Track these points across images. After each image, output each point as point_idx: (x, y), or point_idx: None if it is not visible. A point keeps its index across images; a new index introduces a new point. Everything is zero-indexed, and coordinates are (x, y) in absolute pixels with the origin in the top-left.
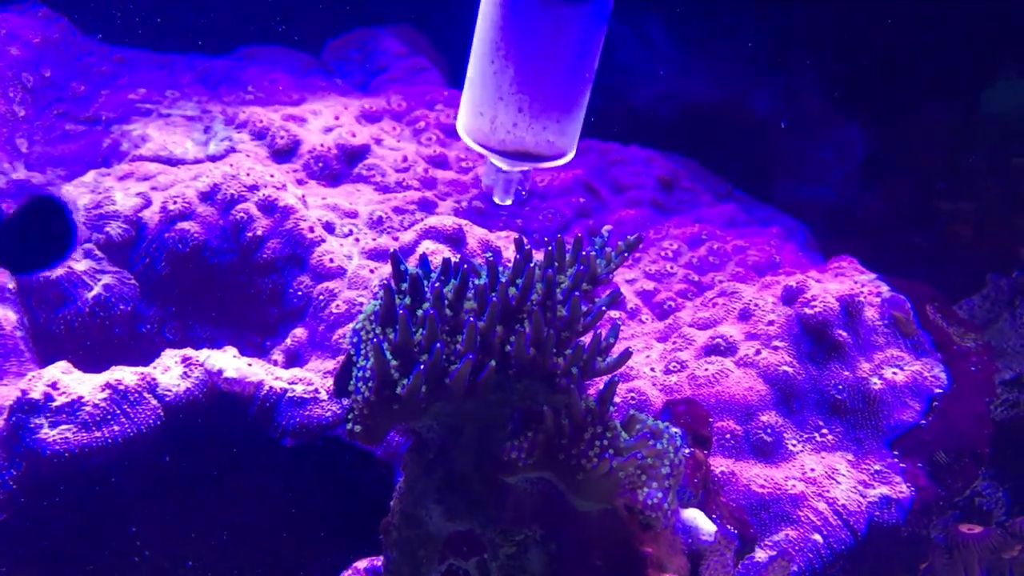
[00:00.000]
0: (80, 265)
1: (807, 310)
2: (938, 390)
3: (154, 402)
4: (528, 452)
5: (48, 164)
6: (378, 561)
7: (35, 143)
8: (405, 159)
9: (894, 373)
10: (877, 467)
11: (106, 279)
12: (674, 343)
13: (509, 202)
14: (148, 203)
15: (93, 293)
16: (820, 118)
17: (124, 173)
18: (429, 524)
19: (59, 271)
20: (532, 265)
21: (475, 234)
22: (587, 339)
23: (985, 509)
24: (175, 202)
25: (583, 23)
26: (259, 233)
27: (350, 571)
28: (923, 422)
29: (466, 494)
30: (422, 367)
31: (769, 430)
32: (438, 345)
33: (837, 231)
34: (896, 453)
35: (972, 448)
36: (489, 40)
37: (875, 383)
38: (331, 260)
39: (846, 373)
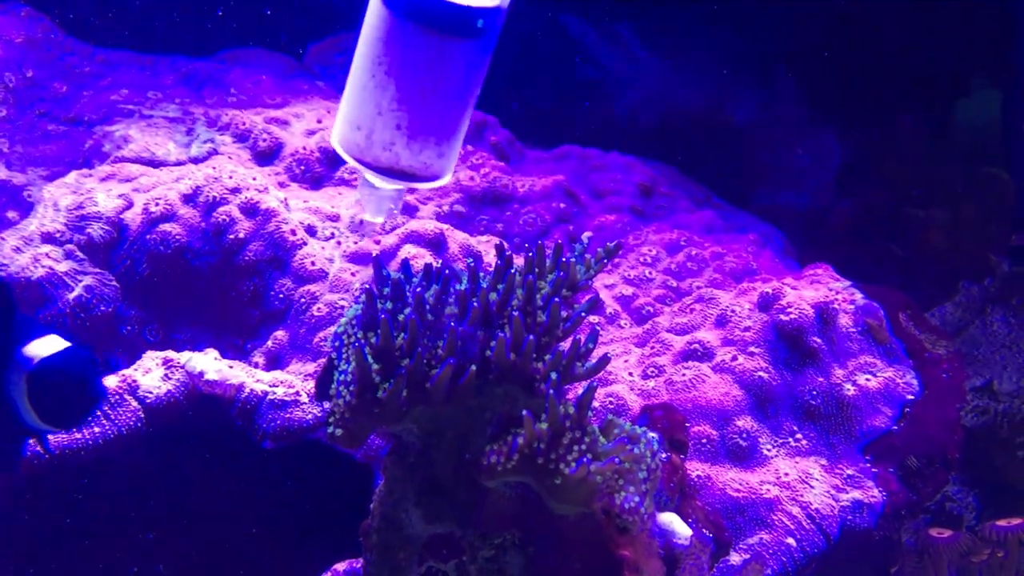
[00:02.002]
0: (61, 266)
1: (783, 317)
2: (910, 396)
3: (135, 404)
4: (507, 456)
5: (29, 164)
6: (357, 564)
7: (16, 143)
8: None
9: (867, 379)
10: (850, 472)
11: (87, 280)
12: (652, 348)
13: (381, 220)
14: (130, 204)
15: (74, 294)
16: (797, 126)
17: (106, 174)
18: (409, 527)
19: (40, 271)
20: (513, 271)
21: (456, 239)
22: (567, 344)
23: (956, 514)
24: (157, 204)
25: (467, 55)
26: (241, 235)
27: (329, 574)
28: (895, 428)
29: (446, 497)
30: (403, 371)
31: (745, 435)
32: (419, 349)
33: (812, 238)
34: (868, 458)
35: (943, 453)
36: (372, 54)
37: (848, 389)
38: (312, 263)
39: (820, 379)
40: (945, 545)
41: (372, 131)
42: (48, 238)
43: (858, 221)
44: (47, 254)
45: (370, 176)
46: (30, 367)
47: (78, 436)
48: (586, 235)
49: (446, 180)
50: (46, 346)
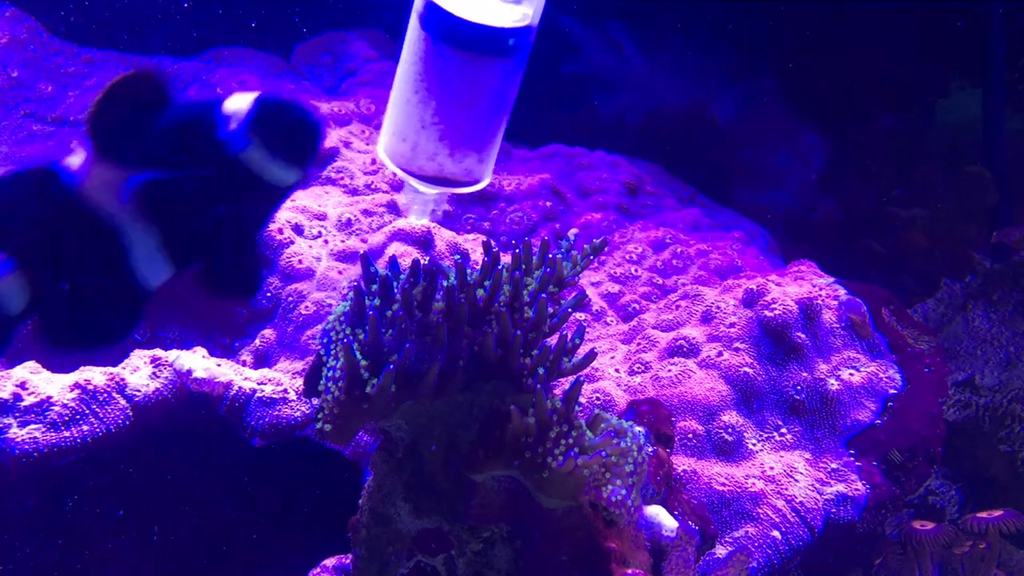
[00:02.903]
0: None
1: (767, 313)
2: (893, 391)
3: (123, 402)
4: (495, 451)
5: (15, 164)
6: (346, 559)
7: (1, 143)
8: (374, 162)
9: (850, 374)
10: (834, 465)
11: None
12: (638, 345)
13: (425, 221)
14: None
15: None
16: (780, 126)
17: None
18: (397, 522)
19: None
20: (500, 267)
21: (443, 236)
22: (553, 340)
23: (938, 507)
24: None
25: (501, 71)
26: None
27: (318, 569)
28: (878, 422)
29: (434, 492)
30: (391, 367)
31: (730, 430)
32: (407, 345)
33: (795, 237)
34: (852, 452)
35: (925, 447)
36: (413, 73)
37: (832, 384)
38: (300, 261)
39: (804, 374)
40: (928, 537)
41: (417, 143)
42: None
43: (841, 220)
44: None
45: (415, 183)
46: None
47: (66, 434)
48: (572, 232)
49: (485, 184)
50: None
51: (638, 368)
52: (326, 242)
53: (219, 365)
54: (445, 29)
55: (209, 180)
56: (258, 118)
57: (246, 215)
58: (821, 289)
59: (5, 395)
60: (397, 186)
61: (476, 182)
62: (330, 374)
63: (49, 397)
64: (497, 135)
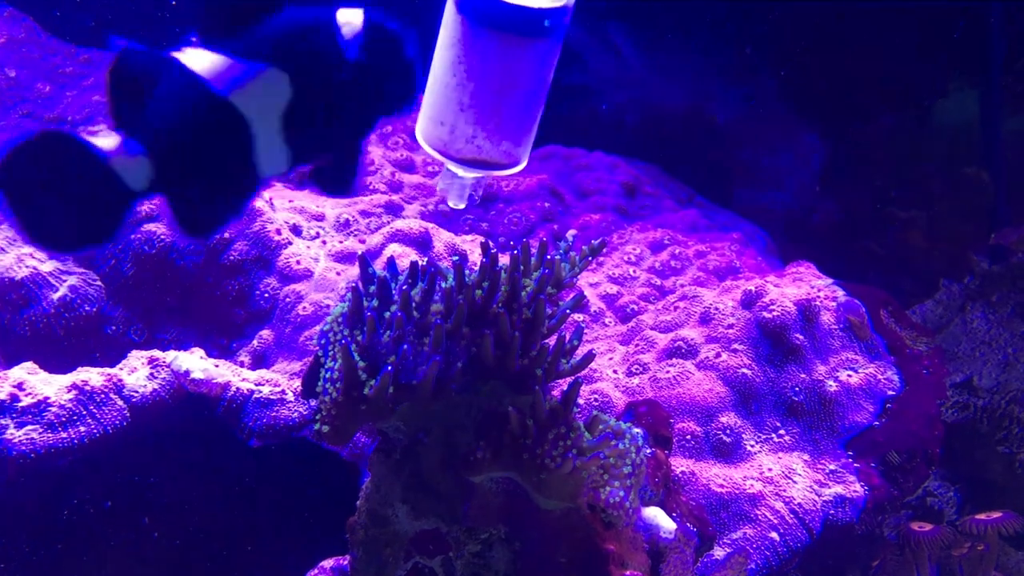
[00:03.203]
0: (46, 266)
1: (765, 314)
2: (891, 392)
3: (120, 403)
4: (493, 452)
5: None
6: (344, 560)
7: None
8: (372, 163)
9: (849, 376)
10: (832, 467)
11: (72, 280)
12: (636, 346)
13: (463, 206)
14: None
15: (59, 294)
16: (778, 127)
17: None
18: (395, 523)
19: (24, 271)
20: (498, 268)
21: (442, 238)
22: (552, 341)
23: (937, 508)
24: (142, 204)
25: (537, 53)
26: (226, 235)
27: (316, 570)
28: (876, 423)
29: (432, 493)
30: (389, 368)
31: (728, 431)
32: (405, 346)
33: (794, 238)
34: (850, 453)
35: (924, 449)
36: (450, 56)
37: (830, 385)
38: (298, 262)
39: (803, 375)
40: (926, 539)
41: (455, 126)
42: None
43: (839, 221)
44: (31, 254)
45: (452, 167)
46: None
47: (64, 435)
48: (571, 233)
49: (523, 165)
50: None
51: (636, 369)
52: (324, 243)
53: (217, 366)
54: (482, 11)
55: (324, 81)
56: (369, 34)
57: (353, 122)
58: (819, 290)
59: (2, 396)
60: (395, 187)
61: (515, 164)
62: (328, 375)
63: (46, 398)
64: (535, 117)
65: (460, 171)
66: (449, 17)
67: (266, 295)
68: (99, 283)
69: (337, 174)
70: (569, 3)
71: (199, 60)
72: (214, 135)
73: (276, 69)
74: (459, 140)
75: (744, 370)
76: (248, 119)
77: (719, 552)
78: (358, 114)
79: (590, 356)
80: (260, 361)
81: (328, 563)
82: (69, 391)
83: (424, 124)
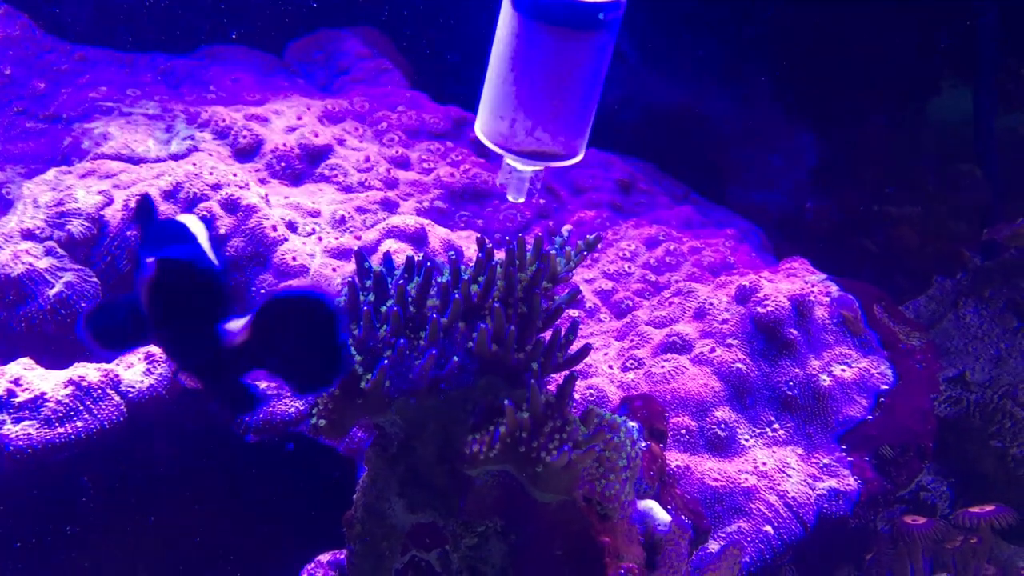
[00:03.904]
0: (42, 263)
1: (760, 309)
2: (884, 387)
3: (117, 398)
4: (489, 445)
5: (8, 162)
6: (341, 554)
7: None
8: (367, 159)
9: (842, 370)
10: (826, 461)
11: (68, 277)
12: (631, 341)
13: (522, 200)
14: (110, 201)
15: (55, 291)
16: (773, 125)
17: (86, 171)
18: (392, 517)
19: (20, 268)
20: (494, 263)
21: (437, 234)
22: (547, 335)
23: (930, 503)
24: (136, 200)
25: (593, 45)
26: (222, 232)
27: (313, 564)
28: (870, 417)
29: (428, 487)
30: (386, 362)
31: (723, 425)
32: (402, 341)
33: (788, 235)
34: (844, 447)
35: (917, 443)
36: (508, 51)
37: (824, 380)
38: (294, 259)
39: (797, 370)
40: (919, 532)
41: (515, 120)
42: (28, 235)
43: (833, 218)
44: (27, 251)
45: (511, 161)
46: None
47: (60, 430)
48: (566, 228)
49: (580, 157)
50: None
51: (631, 364)
52: (320, 239)
53: None
54: (538, 7)
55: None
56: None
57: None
58: (813, 286)
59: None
60: (391, 183)
61: (574, 155)
62: None
63: (43, 393)
64: (592, 108)
65: (519, 165)
66: (506, 14)
67: (262, 291)
68: (95, 280)
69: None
70: None
71: None
72: None
73: None
74: (519, 133)
75: (738, 365)
76: None
77: (714, 545)
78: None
79: (586, 350)
80: None
81: (325, 557)
82: (66, 387)
83: (484, 119)
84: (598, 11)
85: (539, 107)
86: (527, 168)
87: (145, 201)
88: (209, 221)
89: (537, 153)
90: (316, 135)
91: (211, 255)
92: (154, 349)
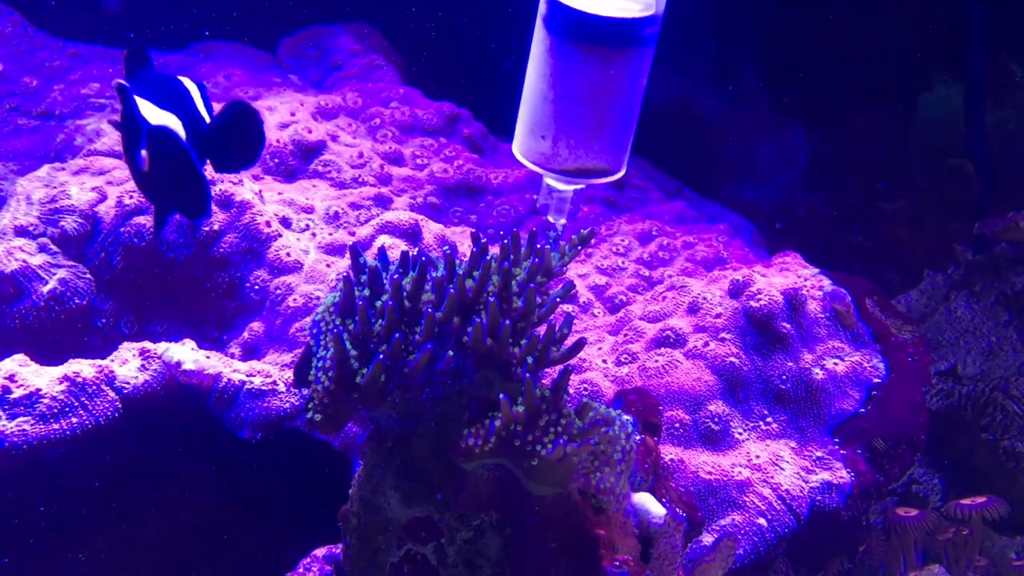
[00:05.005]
0: (35, 259)
1: (753, 303)
2: (877, 380)
3: (112, 394)
4: (484, 439)
5: (0, 159)
6: (336, 549)
7: None
8: (361, 155)
9: (835, 364)
10: (819, 454)
11: (61, 273)
12: (625, 336)
13: (563, 221)
14: (103, 197)
15: (48, 287)
16: (765, 121)
17: (79, 168)
18: (387, 510)
19: (13, 265)
20: (488, 258)
21: (431, 229)
22: (542, 330)
23: (922, 496)
24: (131, 196)
25: (633, 61)
26: (216, 227)
27: (309, 559)
28: (862, 410)
29: (424, 481)
30: (381, 357)
31: (716, 419)
32: (397, 335)
33: (780, 230)
34: (837, 440)
35: (909, 435)
36: (545, 72)
37: (817, 373)
38: (288, 254)
39: (790, 364)
40: (912, 524)
41: (557, 140)
42: (21, 231)
43: (825, 214)
44: (20, 247)
45: (551, 181)
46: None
47: (55, 427)
48: (560, 222)
49: (624, 171)
50: None
51: (625, 359)
52: (314, 235)
53: (208, 357)
54: (572, 29)
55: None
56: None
57: None
58: (806, 280)
59: None
60: (384, 179)
61: (616, 171)
62: (320, 364)
63: (38, 389)
64: (634, 121)
65: (560, 184)
66: (540, 34)
67: (256, 287)
68: (89, 276)
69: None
70: (659, 11)
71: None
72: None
73: None
74: (561, 152)
75: (732, 359)
76: None
77: (708, 538)
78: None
79: (580, 343)
80: (250, 353)
81: (321, 551)
82: (61, 383)
83: (522, 140)
84: (634, 28)
85: (581, 125)
86: (568, 187)
87: (139, 50)
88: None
89: (581, 171)
90: (309, 131)
91: (205, 115)
92: (149, 345)
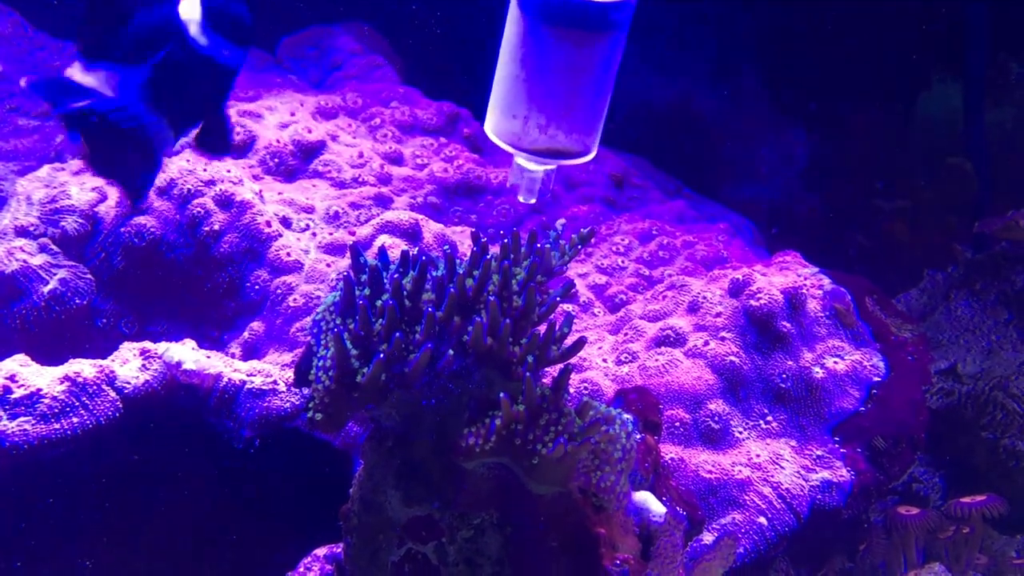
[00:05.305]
0: (36, 259)
1: (753, 302)
2: (876, 378)
3: (113, 394)
4: (485, 438)
5: (0, 159)
6: (337, 548)
7: None
8: (361, 155)
9: (835, 362)
10: (819, 452)
11: (62, 273)
12: (625, 335)
13: (533, 201)
14: (104, 198)
15: (49, 287)
16: (764, 120)
17: (79, 168)
18: (388, 509)
19: (14, 265)
20: (488, 257)
21: (431, 229)
22: (542, 329)
23: (922, 495)
24: None
25: (605, 45)
26: (216, 227)
27: (309, 558)
28: (862, 409)
29: (424, 480)
30: (381, 356)
31: (717, 418)
32: (397, 334)
33: (780, 230)
34: (837, 439)
35: (909, 434)
36: (518, 53)
37: (817, 372)
38: (288, 254)
39: (790, 363)
40: (912, 522)
41: (528, 118)
42: (22, 232)
43: (825, 213)
44: (21, 247)
45: (523, 161)
46: None
47: (56, 426)
48: (560, 221)
49: (594, 154)
50: None
51: (625, 358)
52: (314, 235)
53: (208, 357)
54: (546, 10)
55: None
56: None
57: (216, 92)
58: (806, 279)
59: None
60: (384, 179)
61: (587, 152)
62: (320, 363)
63: (39, 389)
64: (605, 105)
65: (531, 164)
66: (513, 14)
67: (256, 287)
68: (89, 276)
69: (209, 137)
70: None
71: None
72: None
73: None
74: (532, 132)
75: (732, 358)
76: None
77: (708, 536)
78: (215, 86)
79: (580, 342)
80: (251, 353)
81: (322, 551)
82: (61, 383)
83: (495, 119)
84: (608, 12)
85: (552, 105)
86: (539, 168)
87: None
88: (202, 218)
89: (551, 151)
90: (309, 131)
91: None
92: (149, 345)
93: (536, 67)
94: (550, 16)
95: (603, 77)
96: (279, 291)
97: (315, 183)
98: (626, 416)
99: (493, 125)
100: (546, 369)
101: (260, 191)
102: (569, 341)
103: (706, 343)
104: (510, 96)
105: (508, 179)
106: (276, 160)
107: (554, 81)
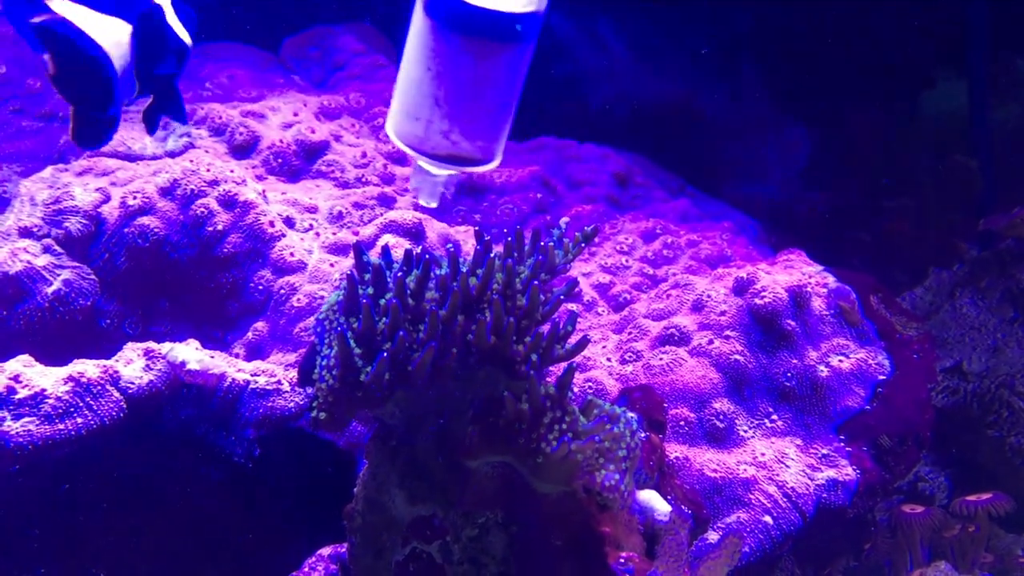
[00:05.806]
0: (40, 260)
1: (757, 301)
2: (882, 377)
3: (117, 394)
4: (489, 437)
5: (3, 160)
6: (342, 548)
7: None
8: (364, 155)
9: (840, 361)
10: (824, 451)
11: (65, 274)
12: (629, 334)
13: (435, 205)
14: (107, 198)
15: (52, 288)
16: (766, 119)
17: (82, 169)
18: (392, 509)
19: (18, 266)
20: (492, 255)
21: (435, 228)
22: (546, 328)
23: (928, 494)
24: (135, 197)
25: (510, 55)
26: (219, 228)
27: (314, 558)
28: (868, 407)
29: (429, 479)
30: (385, 355)
31: (721, 417)
32: (401, 333)
33: (783, 228)
34: (842, 438)
35: (914, 432)
36: (422, 56)
37: (822, 370)
38: (292, 254)
39: (794, 361)
40: (917, 521)
41: (431, 122)
42: (26, 233)
43: (828, 211)
44: (25, 248)
45: (425, 164)
46: None
47: (61, 427)
48: (564, 220)
49: (498, 162)
50: None
51: (629, 357)
52: (317, 235)
53: (212, 357)
54: (453, 18)
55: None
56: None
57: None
58: (810, 277)
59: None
60: (388, 179)
61: (489, 160)
62: (324, 362)
63: (43, 390)
64: (510, 114)
65: (433, 168)
66: (419, 17)
67: (260, 287)
68: (93, 277)
69: (155, 114)
70: (540, 9)
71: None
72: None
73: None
74: (435, 136)
75: (736, 356)
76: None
77: (713, 535)
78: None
79: (584, 341)
80: (255, 353)
81: (326, 550)
82: (66, 383)
83: (396, 120)
84: (516, 22)
85: (455, 111)
86: (440, 172)
87: None
88: (206, 218)
89: (453, 157)
90: (312, 131)
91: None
92: (153, 345)
93: (439, 72)
94: (456, 23)
95: (507, 87)
96: (283, 291)
97: (318, 183)
98: (631, 414)
99: (395, 126)
100: (550, 368)
101: (263, 191)
102: (573, 340)
103: (710, 342)
104: (413, 98)
105: (409, 183)
106: (279, 160)
107: (458, 88)
